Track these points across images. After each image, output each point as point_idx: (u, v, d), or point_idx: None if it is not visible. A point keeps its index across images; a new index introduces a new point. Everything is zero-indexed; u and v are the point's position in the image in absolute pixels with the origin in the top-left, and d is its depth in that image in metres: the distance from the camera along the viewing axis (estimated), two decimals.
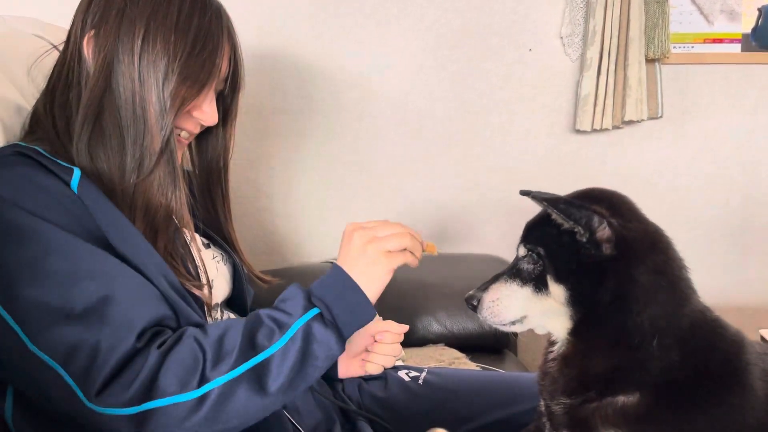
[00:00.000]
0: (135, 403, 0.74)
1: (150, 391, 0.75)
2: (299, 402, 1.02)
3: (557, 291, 0.86)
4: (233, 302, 1.09)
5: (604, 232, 0.83)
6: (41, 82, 0.98)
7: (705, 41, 1.89)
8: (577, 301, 0.84)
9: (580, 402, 0.85)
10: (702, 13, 1.87)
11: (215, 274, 1.02)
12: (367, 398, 1.16)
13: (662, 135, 1.92)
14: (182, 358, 0.77)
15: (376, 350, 1.18)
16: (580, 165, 1.91)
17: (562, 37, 1.87)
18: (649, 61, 1.83)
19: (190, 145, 1.05)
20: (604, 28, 1.79)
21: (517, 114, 1.91)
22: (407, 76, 1.88)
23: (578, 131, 1.88)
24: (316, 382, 1.11)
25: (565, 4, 1.85)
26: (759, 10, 1.88)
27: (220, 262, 1.06)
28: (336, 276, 0.87)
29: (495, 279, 0.93)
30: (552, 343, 0.93)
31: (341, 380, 1.18)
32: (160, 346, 0.78)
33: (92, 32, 0.90)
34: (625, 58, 1.80)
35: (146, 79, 0.88)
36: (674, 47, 1.85)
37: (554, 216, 0.85)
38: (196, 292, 0.92)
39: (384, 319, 1.21)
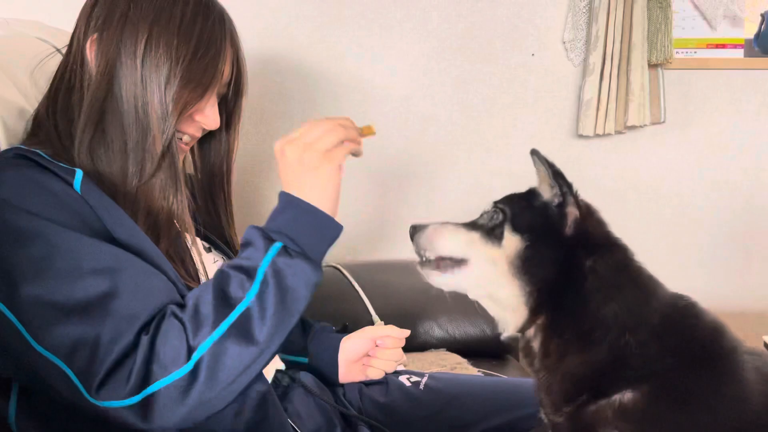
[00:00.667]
0: (133, 393, 0.74)
1: (146, 378, 0.75)
2: (300, 406, 1.02)
3: (511, 242, 0.86)
4: None
5: (573, 209, 0.87)
6: (44, 85, 0.98)
7: (708, 46, 1.89)
8: (527, 263, 0.85)
9: (576, 408, 0.85)
10: (705, 18, 1.88)
11: None
12: (368, 403, 1.16)
13: (665, 140, 1.92)
14: (167, 338, 0.76)
15: (377, 355, 1.18)
16: (583, 169, 1.91)
17: (564, 42, 1.87)
18: (652, 66, 1.83)
19: (193, 149, 1.05)
20: (606, 33, 1.79)
21: (520, 118, 1.91)
22: (410, 80, 1.88)
23: (581, 136, 1.88)
24: (317, 386, 1.11)
25: (568, 9, 1.85)
26: (762, 15, 1.88)
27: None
28: (286, 203, 0.85)
29: (448, 222, 0.94)
30: (528, 354, 0.92)
31: (342, 385, 1.18)
32: (147, 333, 0.77)
33: (95, 36, 0.90)
34: (628, 63, 1.80)
35: (149, 83, 0.88)
36: (677, 52, 1.86)
37: (540, 181, 0.89)
38: None
39: (385, 324, 1.21)
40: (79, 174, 0.86)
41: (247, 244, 0.83)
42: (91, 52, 0.90)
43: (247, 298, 0.78)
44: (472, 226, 0.92)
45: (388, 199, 1.92)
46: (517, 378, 1.43)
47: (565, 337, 0.85)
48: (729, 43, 1.89)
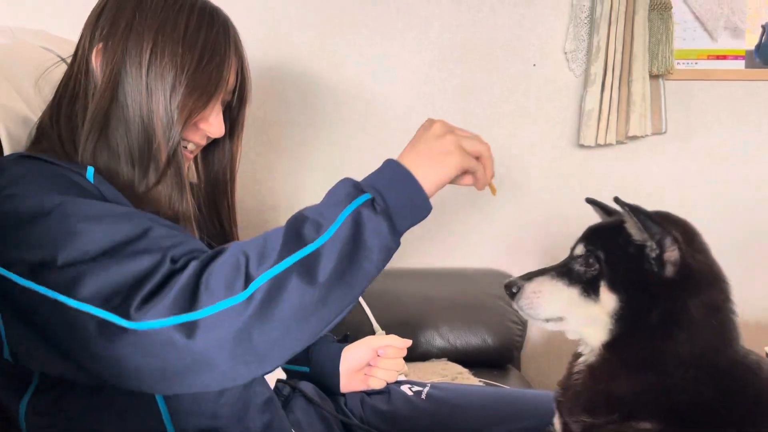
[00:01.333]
0: (178, 311, 0.70)
1: (194, 299, 0.71)
2: (302, 416, 1.02)
3: (608, 300, 0.83)
4: None
5: (673, 253, 0.82)
6: (48, 94, 0.98)
7: (709, 57, 1.90)
8: (624, 316, 0.82)
9: (601, 423, 0.83)
10: (706, 29, 1.88)
11: None
12: (370, 412, 1.16)
13: (666, 150, 1.92)
14: (224, 264, 0.73)
15: (378, 365, 1.17)
16: (584, 180, 1.91)
17: (566, 53, 1.88)
18: (653, 76, 1.83)
19: (196, 158, 1.06)
20: (608, 44, 1.79)
21: (521, 128, 1.91)
22: (411, 89, 1.88)
23: (582, 146, 1.88)
24: (319, 396, 1.11)
25: (569, 20, 1.86)
26: (763, 27, 1.89)
27: None
28: (387, 165, 0.81)
29: (542, 272, 0.89)
30: (578, 356, 0.91)
31: (343, 394, 1.17)
32: (197, 259, 0.74)
33: (101, 45, 0.90)
34: (629, 74, 1.80)
35: (154, 91, 0.88)
36: (678, 63, 1.86)
37: (629, 224, 0.84)
38: None
39: (387, 334, 1.21)
40: (90, 169, 0.86)
41: (333, 191, 0.80)
42: (96, 61, 0.91)
43: (319, 240, 0.74)
44: (569, 277, 0.87)
45: None
46: (520, 389, 1.43)
47: (623, 357, 0.83)
48: (730, 54, 1.89)
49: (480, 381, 1.49)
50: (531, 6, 1.86)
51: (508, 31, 1.87)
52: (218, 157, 1.06)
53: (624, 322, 0.83)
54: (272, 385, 1.03)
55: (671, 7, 1.82)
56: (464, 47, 1.87)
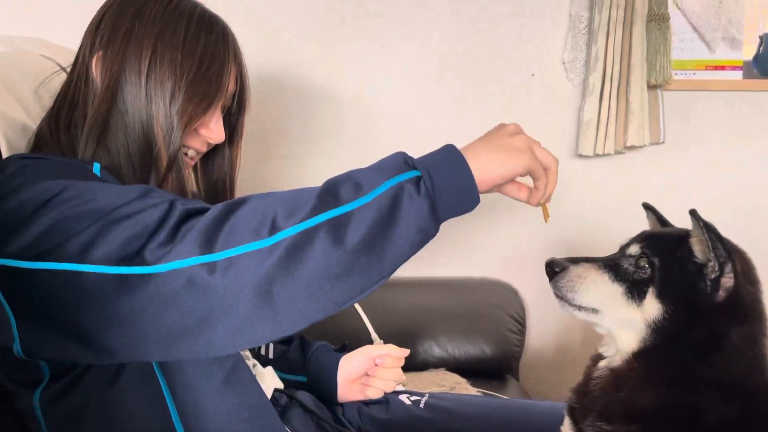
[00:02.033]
0: (198, 252, 0.68)
1: (216, 240, 0.69)
2: (299, 425, 1.01)
3: (652, 307, 0.82)
4: None
5: (729, 280, 0.82)
6: (48, 102, 0.98)
7: (707, 68, 1.90)
8: (663, 327, 0.81)
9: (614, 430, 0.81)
10: (703, 40, 1.89)
11: None
12: (367, 422, 1.15)
13: (664, 160, 1.93)
14: (251, 212, 0.72)
15: (376, 374, 1.17)
16: (583, 189, 1.92)
17: (564, 63, 1.88)
18: (651, 87, 1.84)
19: (196, 167, 1.06)
20: (606, 55, 1.80)
21: None
22: (411, 99, 1.89)
23: (580, 156, 1.89)
24: (316, 405, 1.10)
25: (567, 30, 1.87)
26: (760, 38, 1.90)
27: None
28: (445, 149, 0.79)
29: (589, 259, 0.87)
30: (597, 360, 0.89)
31: (341, 404, 1.17)
32: (221, 204, 0.73)
33: (100, 53, 0.91)
34: (627, 84, 1.81)
35: (153, 98, 0.89)
36: (676, 74, 1.87)
37: (694, 240, 0.83)
38: None
39: (385, 343, 1.21)
40: (97, 165, 0.86)
41: (383, 160, 0.78)
42: (96, 69, 0.91)
43: (356, 202, 0.72)
44: (616, 271, 0.86)
45: None
46: (520, 399, 1.42)
47: (653, 369, 0.82)
48: (728, 64, 1.90)
49: (478, 391, 1.48)
50: (530, 17, 1.87)
51: (507, 42, 1.88)
52: (218, 165, 1.06)
53: (661, 333, 0.81)
54: (269, 395, 1.02)
55: (669, 18, 1.83)
56: (464, 58, 1.88)
